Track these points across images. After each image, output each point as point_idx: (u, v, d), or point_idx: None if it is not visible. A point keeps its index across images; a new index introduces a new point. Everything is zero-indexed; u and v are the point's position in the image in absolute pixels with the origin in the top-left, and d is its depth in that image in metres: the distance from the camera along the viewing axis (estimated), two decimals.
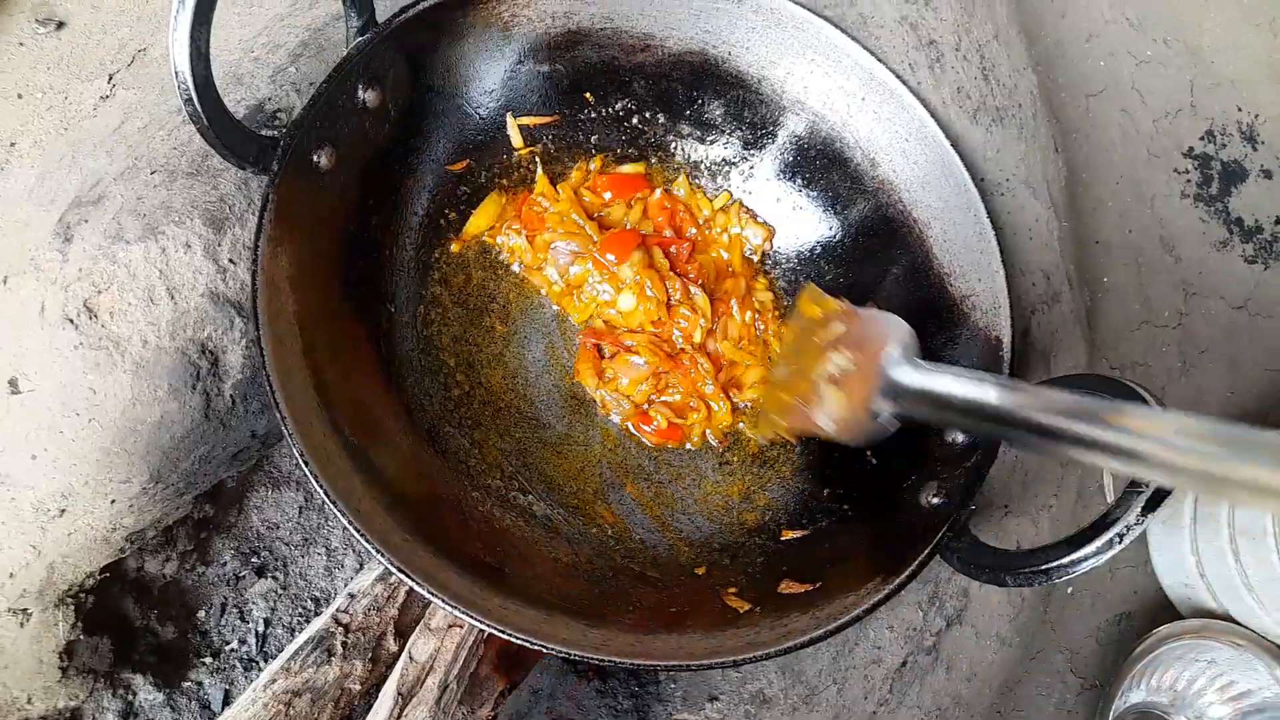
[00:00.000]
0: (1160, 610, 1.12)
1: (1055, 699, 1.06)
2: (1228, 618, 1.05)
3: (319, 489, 0.69)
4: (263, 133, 0.78)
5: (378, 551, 0.69)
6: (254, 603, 1.11)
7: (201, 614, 1.08)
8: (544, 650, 0.70)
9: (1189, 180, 1.28)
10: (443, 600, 0.69)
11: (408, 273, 0.92)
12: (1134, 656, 1.01)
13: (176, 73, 0.69)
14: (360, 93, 0.83)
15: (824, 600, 0.77)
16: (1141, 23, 1.28)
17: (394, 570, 0.69)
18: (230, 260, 0.79)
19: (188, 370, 0.77)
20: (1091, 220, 1.22)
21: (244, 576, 1.11)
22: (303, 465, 0.69)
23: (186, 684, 1.05)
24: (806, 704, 0.77)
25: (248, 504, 1.13)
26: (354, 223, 0.86)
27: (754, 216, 1.03)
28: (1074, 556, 0.68)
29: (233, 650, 1.09)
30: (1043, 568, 0.69)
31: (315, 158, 0.80)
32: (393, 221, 0.91)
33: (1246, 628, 1.03)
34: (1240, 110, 1.29)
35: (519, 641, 0.70)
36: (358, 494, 0.74)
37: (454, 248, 0.96)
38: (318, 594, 1.14)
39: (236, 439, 0.84)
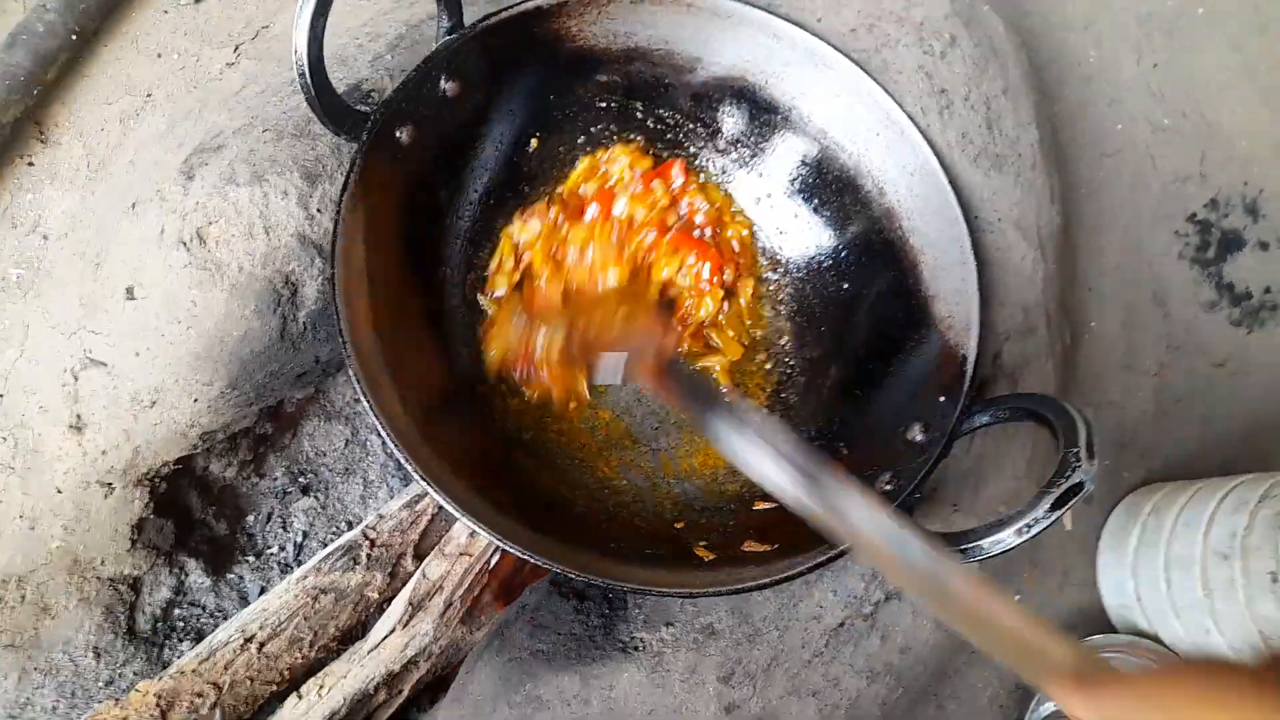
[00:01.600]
0: (1099, 626, 1.22)
1: (990, 693, 1.16)
2: (1155, 638, 1.14)
3: (367, 404, 0.83)
4: (358, 108, 0.93)
5: (407, 460, 0.83)
6: (296, 516, 1.26)
7: (250, 518, 1.24)
8: (533, 561, 0.83)
9: (1188, 243, 1.37)
10: (457, 509, 0.83)
11: (464, 241, 1.07)
12: None
13: (295, 51, 0.84)
14: (443, 83, 0.97)
15: (778, 559, 0.89)
16: (1163, 95, 1.38)
17: (418, 478, 0.83)
18: (318, 210, 0.94)
19: (272, 296, 0.92)
20: (1088, 267, 1.32)
21: (290, 492, 1.27)
22: (355, 383, 0.84)
23: (230, 576, 1.20)
24: (750, 641, 0.90)
25: (302, 430, 1.28)
26: (423, 192, 1.00)
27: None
28: (987, 540, 0.80)
29: (272, 554, 1.24)
30: (960, 547, 0.81)
31: (398, 133, 0.95)
32: (456, 196, 1.05)
33: (1170, 649, 1.13)
34: (1246, 184, 1.38)
35: (515, 553, 0.84)
36: (398, 417, 0.88)
37: (510, 228, 1.10)
38: (351, 518, 1.29)
39: (303, 361, 0.99)
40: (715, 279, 1.11)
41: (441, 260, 1.04)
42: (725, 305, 1.12)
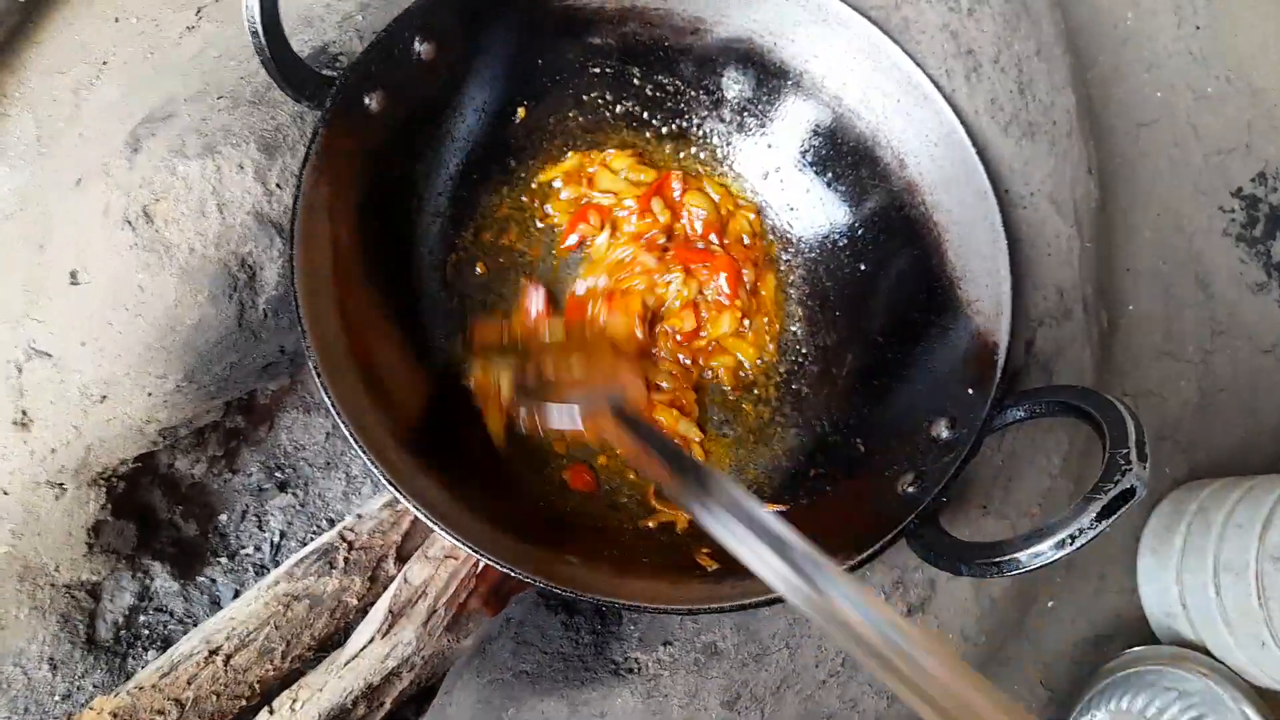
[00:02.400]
0: (1140, 636, 1.13)
1: (1021, 706, 1.07)
2: (1204, 650, 1.05)
3: (327, 399, 0.75)
4: (323, 72, 0.84)
5: (372, 462, 0.75)
6: (273, 514, 1.18)
7: (223, 517, 1.16)
8: (515, 576, 0.75)
9: (1233, 219, 1.27)
10: (429, 516, 0.74)
11: (443, 220, 0.98)
12: (1102, 673, 1.02)
13: (246, 7, 0.76)
14: (416, 44, 0.88)
15: None
16: (1205, 58, 1.28)
17: (386, 483, 0.74)
18: (278, 185, 0.85)
19: (227, 280, 0.83)
20: (1125, 246, 1.22)
21: (267, 489, 1.19)
22: (314, 375, 0.75)
23: (201, 579, 1.13)
24: (757, 661, 0.81)
25: (279, 423, 1.20)
26: (396, 165, 0.92)
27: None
28: (1025, 553, 0.70)
29: (247, 555, 1.16)
30: (995, 560, 0.72)
31: (367, 100, 0.86)
32: (433, 170, 0.96)
33: (1221, 662, 1.03)
34: None
35: (493, 564, 0.75)
36: (364, 411, 0.79)
37: (494, 201, 1.01)
38: (333, 515, 1.21)
39: (266, 351, 0.90)
40: (736, 290, 1.02)
41: (418, 241, 0.95)
42: (746, 322, 1.02)
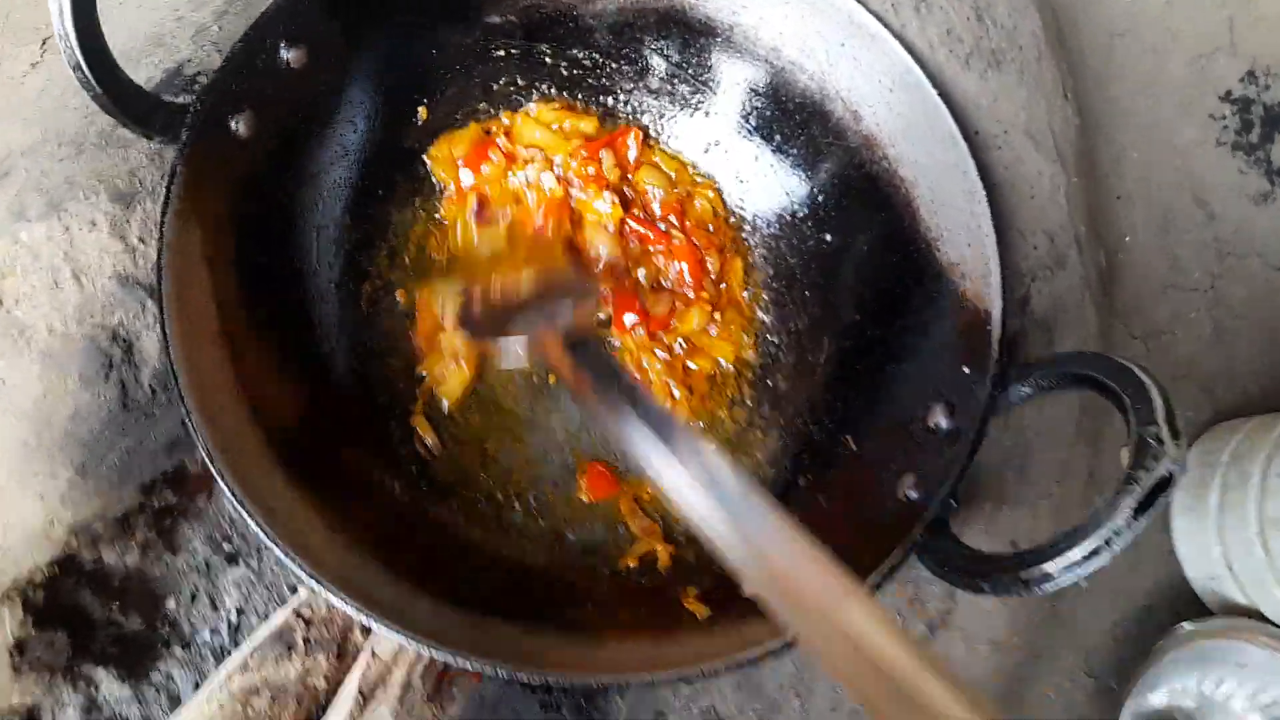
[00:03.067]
0: (1186, 605, 1.03)
1: (1064, 701, 0.97)
2: (1259, 615, 0.95)
3: (224, 488, 0.64)
4: (180, 98, 0.73)
5: (288, 555, 0.64)
6: (226, 591, 1.07)
7: (170, 603, 1.05)
8: (471, 667, 0.65)
9: (1225, 127, 1.16)
10: (358, 608, 0.64)
11: (348, 248, 0.86)
12: (1153, 654, 0.92)
13: (58, 33, 0.64)
14: (283, 51, 0.77)
15: None
16: None
17: (303, 575, 0.64)
18: (140, 239, 0.73)
19: (99, 359, 0.72)
20: (1112, 174, 1.11)
21: (214, 564, 1.08)
22: (207, 460, 0.65)
23: (155, 675, 1.02)
24: None
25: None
26: (281, 193, 0.80)
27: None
28: (1056, 564, 0.60)
29: (204, 641, 1.05)
30: (1022, 576, 0.61)
31: (232, 123, 0.74)
32: (327, 192, 0.84)
33: (1277, 625, 0.93)
34: None
35: (442, 656, 0.65)
36: (276, 491, 0.69)
37: (405, 216, 0.89)
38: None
39: (165, 429, 0.79)
40: (700, 281, 0.91)
41: (321, 275, 0.84)
42: (717, 315, 0.91)
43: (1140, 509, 0.58)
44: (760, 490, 0.52)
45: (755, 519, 0.51)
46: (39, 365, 0.71)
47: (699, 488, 0.52)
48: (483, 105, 0.92)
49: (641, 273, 0.92)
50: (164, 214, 0.68)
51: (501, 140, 0.92)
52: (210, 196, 0.72)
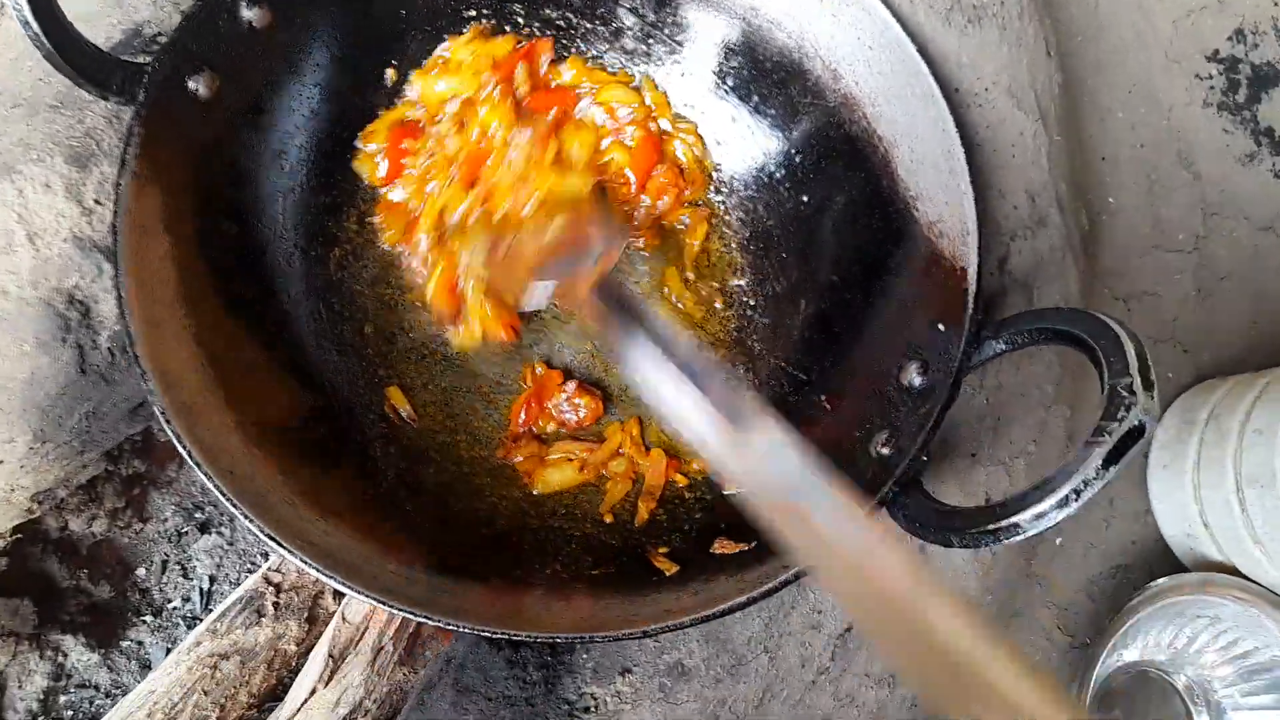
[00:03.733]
0: (1161, 563, 1.03)
1: (1040, 657, 0.97)
2: (1234, 571, 0.95)
3: (180, 448, 0.63)
4: (136, 59, 0.71)
5: (246, 516, 0.63)
6: (197, 559, 1.07)
7: (141, 571, 1.04)
8: (435, 625, 0.64)
9: (1212, 87, 1.14)
10: (319, 569, 0.63)
11: (315, 214, 0.84)
12: (1127, 611, 0.92)
13: None
14: (244, 10, 0.75)
15: (755, 562, 0.70)
16: None
17: (261, 535, 0.63)
18: (96, 201, 0.72)
19: (55, 322, 0.71)
20: (1097, 134, 1.09)
21: (186, 533, 1.07)
22: (163, 421, 0.63)
23: (125, 643, 1.01)
24: (732, 675, 0.70)
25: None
26: (245, 156, 0.79)
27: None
28: (1024, 516, 0.59)
29: (175, 608, 1.05)
30: (990, 528, 0.61)
31: (192, 84, 0.73)
32: (294, 157, 0.83)
33: (1253, 582, 0.93)
34: (1277, 4, 1.14)
35: (406, 615, 0.64)
36: (234, 454, 0.67)
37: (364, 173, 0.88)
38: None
39: (126, 394, 0.78)
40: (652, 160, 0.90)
41: (287, 239, 0.82)
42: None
43: (1110, 459, 0.57)
44: (782, 423, 0.58)
45: (779, 459, 0.56)
46: None
47: (719, 419, 0.56)
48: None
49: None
50: (120, 176, 0.67)
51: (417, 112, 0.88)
52: (169, 159, 0.71)
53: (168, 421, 0.63)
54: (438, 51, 0.88)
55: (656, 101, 0.93)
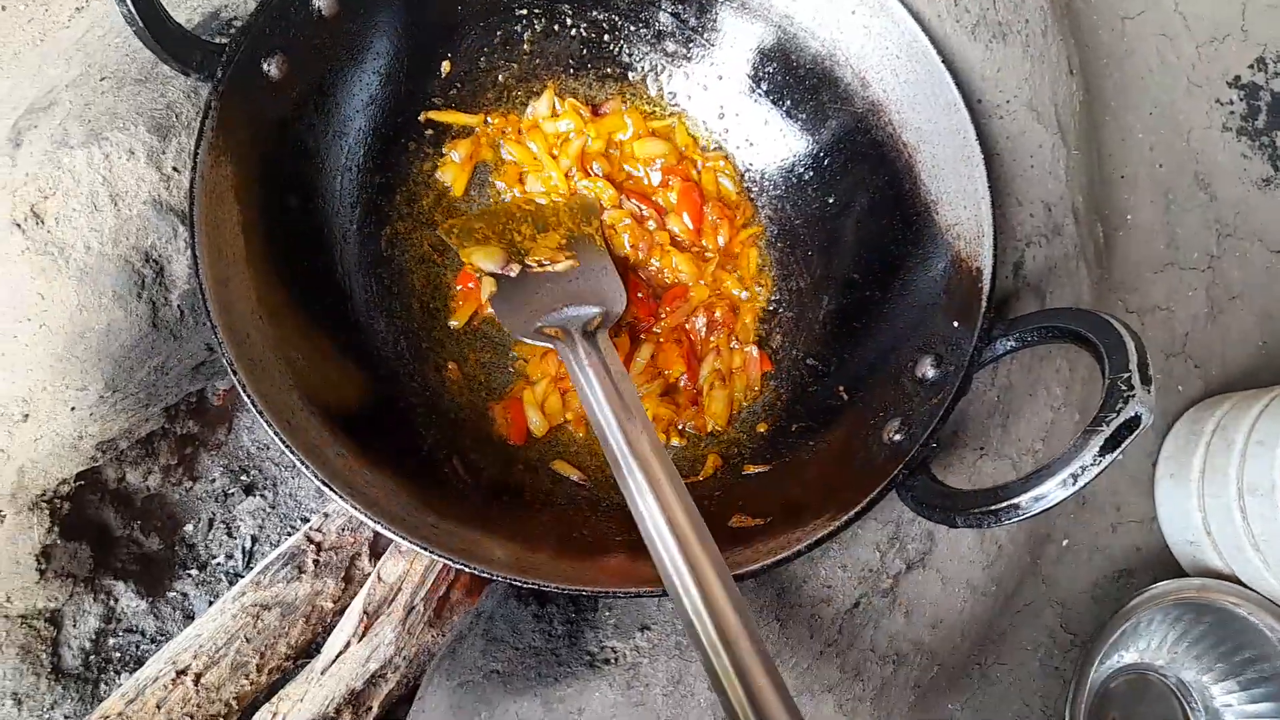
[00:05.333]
0: (1164, 568, 1.06)
1: (1042, 654, 1.01)
2: (1233, 578, 0.98)
3: (247, 399, 0.68)
4: (215, 40, 0.77)
5: (303, 462, 0.68)
6: (241, 520, 1.13)
7: (189, 527, 1.10)
8: (471, 571, 0.69)
9: (1232, 112, 1.17)
10: (367, 515, 0.68)
11: (372, 193, 0.90)
12: (1125, 612, 0.95)
13: None
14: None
15: (770, 535, 0.74)
16: None
17: (316, 480, 0.68)
18: (175, 169, 0.77)
19: (132, 278, 0.76)
20: (1118, 152, 1.13)
21: (232, 494, 1.13)
22: (231, 374, 0.69)
23: (171, 594, 1.07)
24: None
25: (237, 424, 1.14)
26: (310, 135, 0.84)
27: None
28: (1025, 497, 0.63)
29: (219, 564, 1.11)
30: (992, 508, 0.65)
31: (265, 65, 0.78)
32: (354, 138, 0.88)
33: (1251, 589, 0.96)
34: None
35: (450, 563, 0.69)
36: (293, 408, 0.73)
37: (426, 166, 0.94)
38: (306, 514, 1.15)
39: (191, 351, 0.84)
40: (699, 228, 0.96)
41: (345, 216, 0.88)
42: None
43: (1107, 447, 0.61)
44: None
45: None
46: (75, 282, 0.76)
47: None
48: (503, 61, 0.95)
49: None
50: (197, 146, 0.72)
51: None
52: (241, 133, 0.76)
53: (234, 372, 0.69)
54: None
55: (686, 143, 0.98)
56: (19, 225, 0.75)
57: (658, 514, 0.66)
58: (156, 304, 0.78)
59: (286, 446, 0.68)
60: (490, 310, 0.91)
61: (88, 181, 0.75)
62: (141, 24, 0.70)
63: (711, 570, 0.63)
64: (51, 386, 0.81)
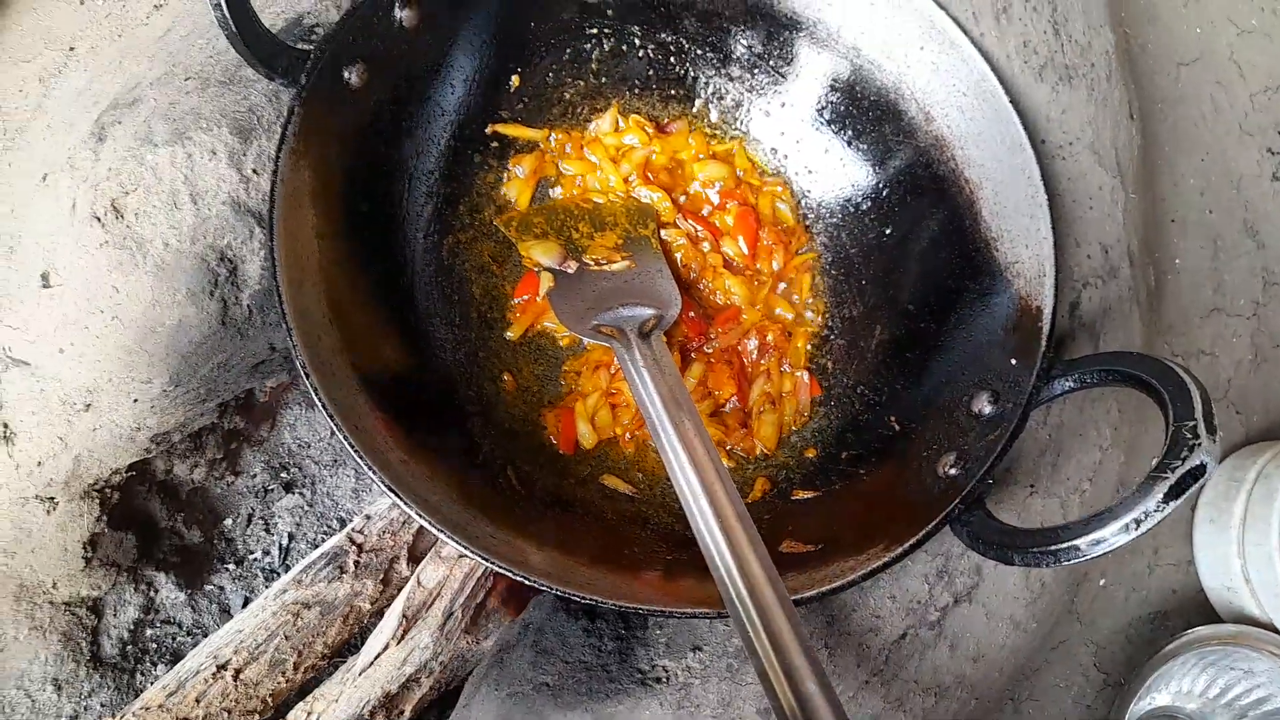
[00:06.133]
0: (1198, 612, 1.06)
1: (1075, 692, 1.01)
2: (1270, 626, 0.98)
3: (318, 401, 0.69)
4: (297, 46, 0.78)
5: (369, 467, 0.69)
6: (280, 516, 1.14)
7: (228, 522, 1.11)
8: (523, 580, 0.69)
9: None
10: (430, 522, 0.69)
11: (438, 202, 0.91)
12: (1161, 656, 0.95)
13: None
14: (397, 10, 0.82)
15: (823, 563, 0.74)
16: None
17: (381, 486, 0.69)
18: (254, 170, 0.79)
19: (206, 276, 0.78)
20: (1170, 196, 1.14)
21: (272, 490, 1.14)
22: (303, 376, 0.70)
23: (209, 587, 1.08)
24: None
25: (280, 421, 1.15)
26: (384, 143, 0.85)
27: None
28: (1086, 540, 0.64)
29: (255, 560, 1.12)
30: (1051, 549, 0.65)
31: (346, 73, 0.79)
32: (424, 147, 0.90)
33: None
34: None
35: (508, 574, 0.70)
36: (359, 413, 0.74)
37: (489, 178, 0.95)
38: (343, 514, 1.16)
39: (255, 349, 0.85)
40: (755, 253, 0.97)
41: (411, 224, 0.89)
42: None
43: (1170, 494, 0.61)
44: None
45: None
46: (151, 277, 0.77)
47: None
48: (570, 78, 0.97)
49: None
50: (279, 150, 0.74)
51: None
52: (320, 139, 0.77)
53: (307, 375, 0.70)
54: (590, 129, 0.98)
55: (744, 167, 0.99)
56: (99, 219, 0.76)
57: (706, 508, 0.67)
58: (227, 302, 0.79)
59: (355, 451, 0.69)
60: (546, 324, 0.92)
61: (169, 179, 0.76)
62: (234, 28, 0.71)
63: (757, 564, 0.65)
64: (117, 378, 0.82)
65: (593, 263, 0.91)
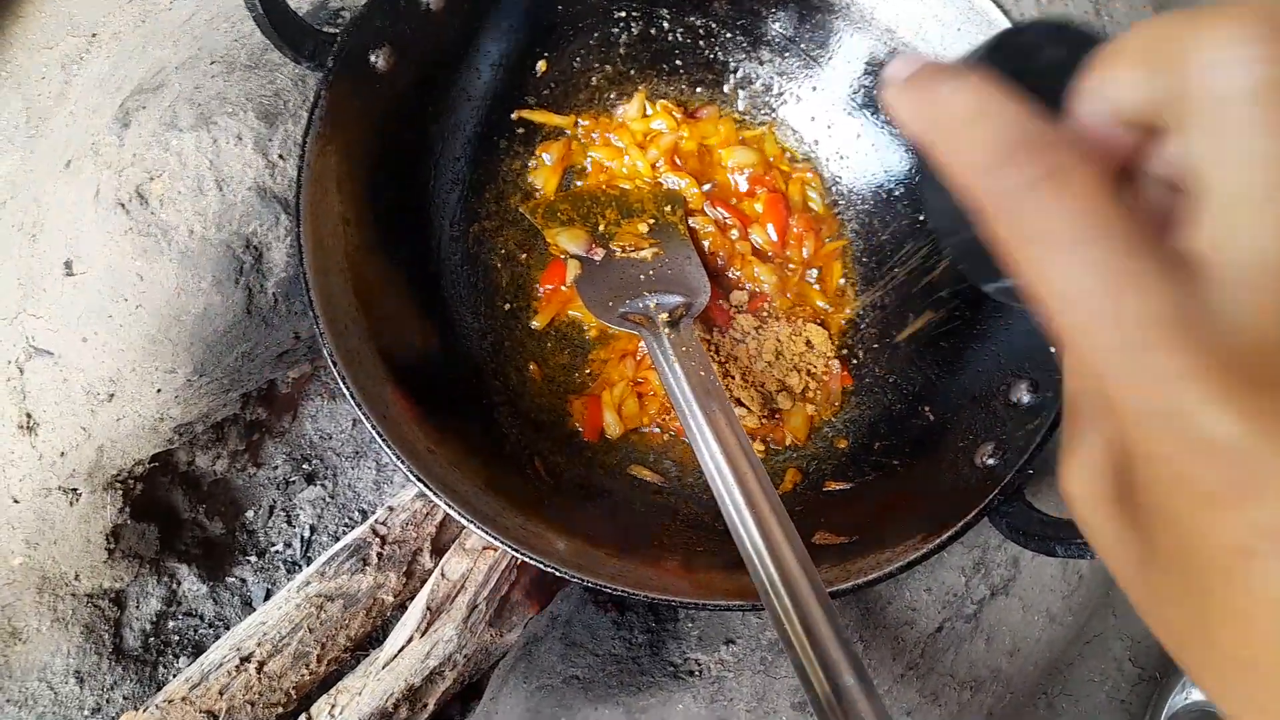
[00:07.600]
0: None
1: (1109, 687, 0.99)
2: None
3: (346, 390, 0.68)
4: (323, 29, 0.76)
5: (398, 457, 0.68)
6: (301, 508, 1.13)
7: (250, 514, 1.10)
8: (554, 572, 0.68)
9: None
10: (460, 512, 0.68)
11: (463, 188, 0.90)
12: None
13: None
14: None
15: (858, 554, 0.73)
16: None
17: (409, 476, 0.68)
18: (280, 156, 0.77)
19: (231, 264, 0.76)
20: None
21: (294, 482, 1.13)
22: (331, 365, 0.69)
23: (230, 579, 1.07)
24: None
25: (302, 412, 1.14)
26: (410, 128, 0.84)
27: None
28: None
29: (277, 552, 1.11)
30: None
31: (373, 58, 0.78)
32: (451, 132, 0.88)
33: None
34: None
35: (538, 564, 0.68)
36: (386, 402, 0.72)
37: (515, 165, 0.93)
38: (365, 506, 1.15)
39: (279, 339, 0.84)
40: (783, 239, 0.95)
41: (436, 211, 0.88)
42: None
43: None
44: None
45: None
46: (176, 264, 0.76)
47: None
48: (598, 63, 0.95)
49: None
50: (306, 135, 0.72)
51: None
52: (347, 124, 0.76)
53: (334, 363, 0.68)
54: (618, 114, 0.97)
55: (774, 153, 0.97)
56: (123, 205, 0.75)
57: (739, 498, 0.66)
58: (253, 290, 0.78)
59: (383, 440, 0.68)
60: (572, 312, 0.91)
61: (195, 165, 0.75)
62: (261, 10, 0.70)
63: (792, 556, 0.64)
64: (140, 367, 0.81)
65: (620, 250, 0.89)
